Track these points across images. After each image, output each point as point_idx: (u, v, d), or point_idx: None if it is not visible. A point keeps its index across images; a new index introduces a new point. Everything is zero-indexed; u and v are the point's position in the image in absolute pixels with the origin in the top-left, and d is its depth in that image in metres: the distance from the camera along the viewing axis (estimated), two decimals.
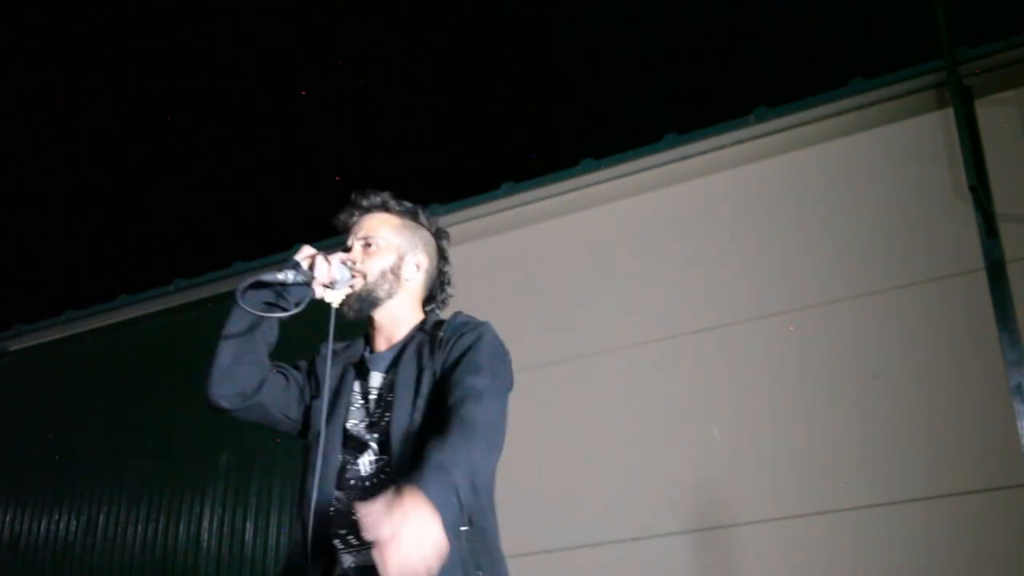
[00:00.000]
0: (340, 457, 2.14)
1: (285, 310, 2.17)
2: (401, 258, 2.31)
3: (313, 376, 2.30)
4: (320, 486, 2.09)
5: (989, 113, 4.44)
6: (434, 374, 2.10)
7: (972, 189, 4.20)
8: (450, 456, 1.79)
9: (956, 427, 4.06)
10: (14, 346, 7.18)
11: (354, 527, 1.97)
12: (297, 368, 2.33)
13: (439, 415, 2.00)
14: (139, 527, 6.05)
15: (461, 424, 1.88)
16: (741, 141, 4.98)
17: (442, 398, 2.03)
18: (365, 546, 1.94)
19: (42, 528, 6.43)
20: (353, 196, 2.37)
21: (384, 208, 2.37)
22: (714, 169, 5.03)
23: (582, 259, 5.18)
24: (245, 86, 11.68)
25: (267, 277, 2.14)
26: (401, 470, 1.97)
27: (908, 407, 4.20)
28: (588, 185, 5.33)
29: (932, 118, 4.57)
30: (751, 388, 4.53)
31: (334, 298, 2.21)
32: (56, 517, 6.41)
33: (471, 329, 2.17)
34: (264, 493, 5.67)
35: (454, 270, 2.47)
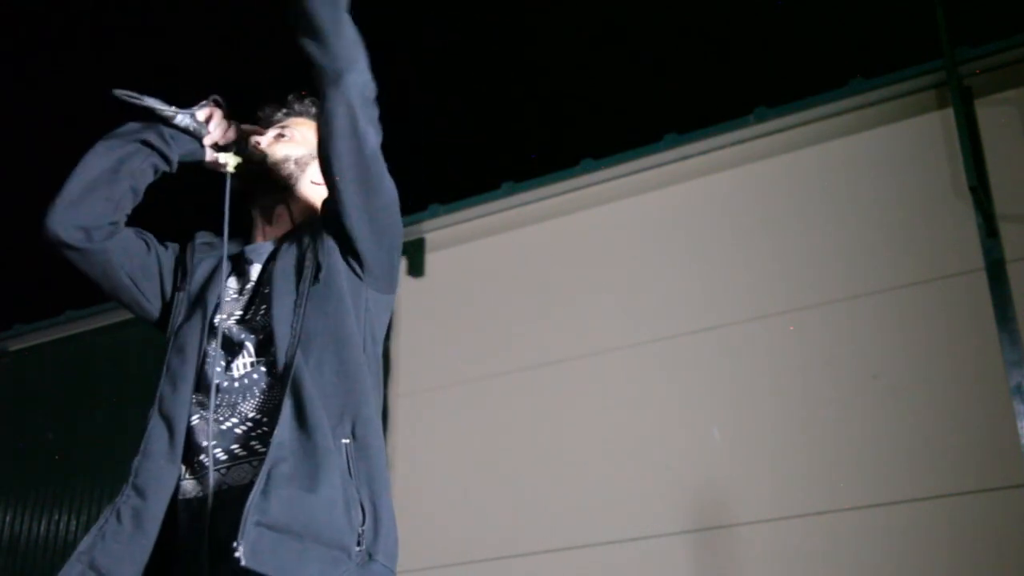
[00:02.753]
0: (202, 355, 1.85)
1: (166, 159, 1.90)
2: (312, 156, 2.03)
3: (181, 265, 2.00)
4: (177, 389, 1.82)
5: (989, 113, 4.44)
6: (316, 254, 1.84)
7: (972, 189, 4.20)
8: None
9: (956, 427, 4.06)
10: (14, 346, 7.18)
11: (225, 437, 1.76)
12: (164, 246, 2.04)
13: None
14: None
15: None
16: (741, 141, 4.98)
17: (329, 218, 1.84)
18: (237, 460, 1.74)
19: (42, 528, 6.43)
20: (290, 98, 2.16)
21: (316, 119, 2.03)
22: (714, 169, 5.03)
23: (582, 259, 5.18)
24: (245, 86, 11.67)
25: (153, 102, 1.87)
26: (286, 373, 1.72)
27: (908, 407, 4.19)
28: (588, 185, 5.32)
29: (932, 118, 4.57)
30: (751, 388, 4.53)
31: (229, 161, 1.95)
32: (56, 517, 6.41)
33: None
34: None
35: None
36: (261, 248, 1.99)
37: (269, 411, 1.76)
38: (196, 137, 1.93)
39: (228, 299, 1.93)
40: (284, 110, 2.15)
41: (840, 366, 4.38)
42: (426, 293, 5.61)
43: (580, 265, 5.17)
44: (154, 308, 2.01)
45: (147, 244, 1.99)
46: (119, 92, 1.84)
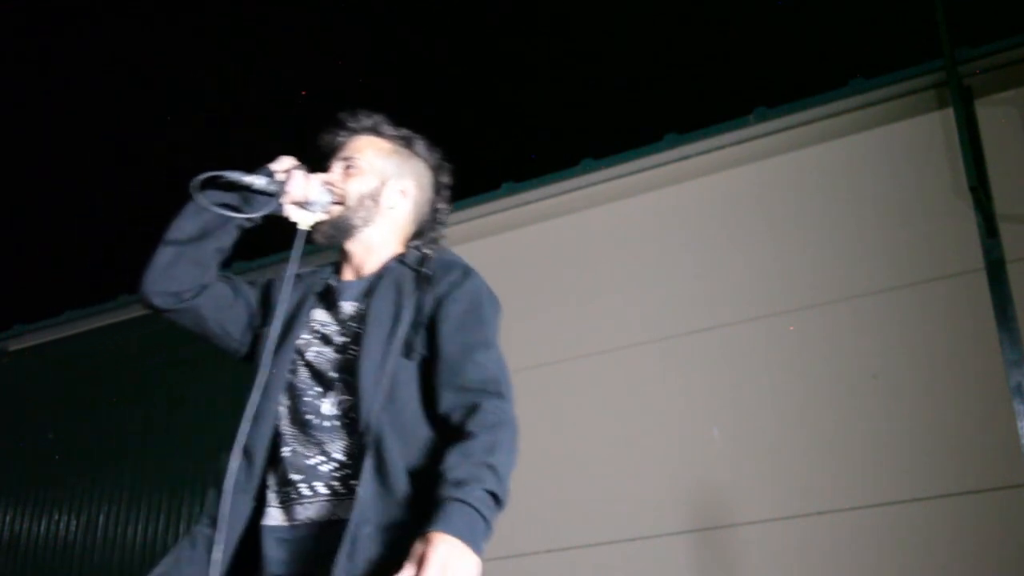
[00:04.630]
0: (289, 390, 1.92)
1: (249, 219, 1.97)
2: (383, 183, 2.06)
3: (267, 301, 2.05)
4: (261, 422, 1.88)
5: (989, 113, 4.44)
6: (417, 313, 1.88)
7: (972, 189, 4.20)
8: (470, 470, 1.63)
9: (956, 427, 4.06)
10: (14, 346, 7.18)
11: (311, 473, 1.83)
12: (251, 285, 2.10)
13: (431, 384, 1.83)
14: (139, 527, 6.05)
15: (476, 426, 1.72)
16: (741, 141, 4.98)
17: (437, 367, 1.84)
18: (319, 497, 1.81)
19: (42, 528, 6.44)
20: (341, 116, 2.13)
21: (374, 131, 2.10)
22: (714, 169, 5.03)
23: (582, 259, 5.18)
24: (245, 86, 11.69)
25: (232, 175, 1.93)
26: (370, 415, 1.78)
27: (908, 407, 4.19)
28: (588, 185, 5.33)
29: (932, 118, 4.57)
30: (751, 388, 4.53)
31: (304, 219, 2.00)
32: (56, 517, 6.41)
33: (461, 279, 1.94)
34: None
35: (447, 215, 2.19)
36: (352, 286, 2.01)
37: (353, 456, 1.81)
38: (275, 196, 1.98)
39: (316, 334, 1.97)
40: (342, 132, 2.13)
41: (840, 366, 4.38)
42: None
43: (580, 265, 5.17)
44: (244, 347, 2.07)
45: (234, 290, 2.06)
46: (199, 179, 1.91)
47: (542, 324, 5.07)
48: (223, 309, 2.02)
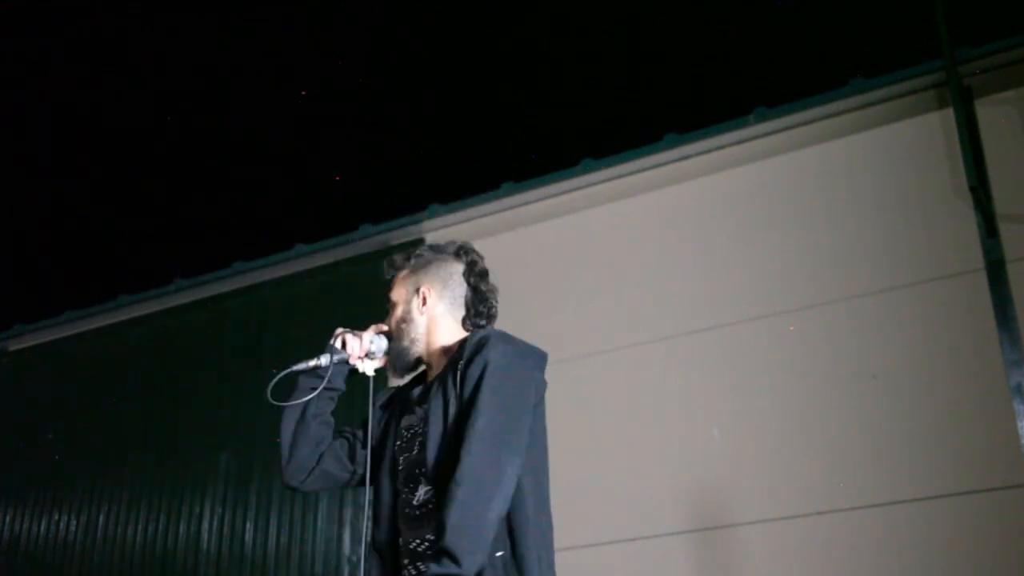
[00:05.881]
0: (393, 490, 2.28)
1: (333, 389, 2.40)
2: (408, 303, 2.39)
3: (366, 429, 2.43)
4: (378, 520, 2.28)
5: (989, 113, 4.44)
6: (459, 399, 2.16)
7: (972, 189, 4.20)
8: (450, 536, 1.93)
9: (956, 427, 4.06)
10: (14, 346, 7.18)
11: (413, 556, 2.17)
12: (358, 424, 2.48)
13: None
14: (139, 527, 6.05)
15: (450, 488, 2.00)
16: (741, 141, 4.98)
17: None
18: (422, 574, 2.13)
19: (42, 528, 6.43)
20: (384, 268, 2.51)
21: (397, 269, 2.46)
22: (714, 169, 5.03)
23: (582, 259, 5.18)
24: (245, 86, 11.68)
25: (299, 367, 2.35)
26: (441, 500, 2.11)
27: (908, 407, 4.19)
28: (588, 185, 5.33)
29: (932, 118, 4.57)
30: (751, 388, 4.53)
31: (368, 368, 2.41)
32: (56, 517, 6.41)
33: (479, 351, 2.17)
34: (264, 493, 5.67)
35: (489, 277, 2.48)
36: (422, 390, 2.35)
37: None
38: (343, 363, 2.39)
39: (403, 439, 2.32)
40: (388, 285, 2.49)
41: (840, 366, 4.38)
42: None
43: (580, 265, 5.18)
44: (362, 472, 2.42)
45: (349, 442, 2.45)
46: (272, 386, 2.30)
47: (542, 324, 5.06)
48: (342, 461, 2.42)
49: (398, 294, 2.42)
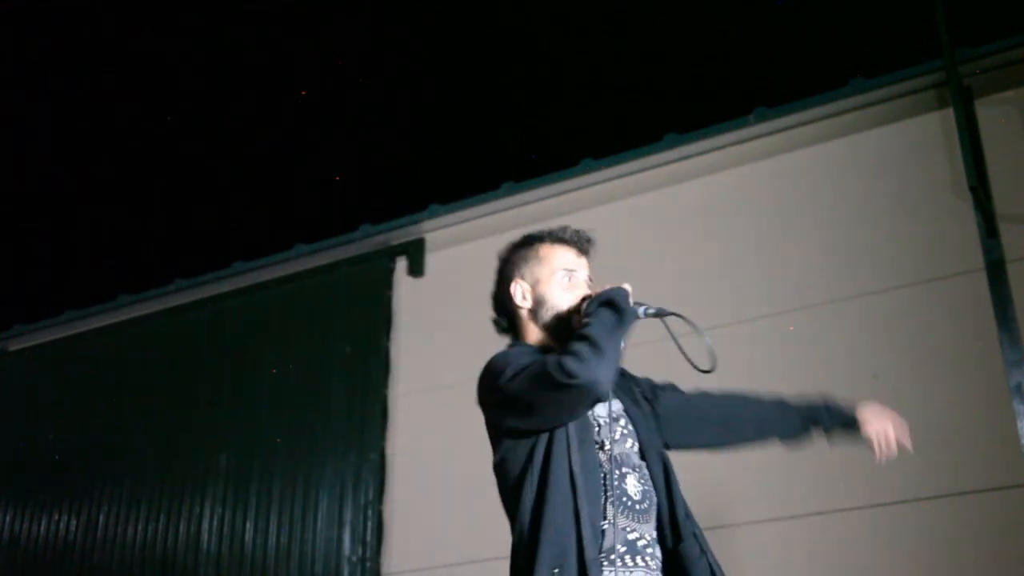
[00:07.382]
0: (603, 475, 2.35)
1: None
2: (510, 300, 2.72)
3: None
4: (590, 504, 2.28)
5: (989, 113, 4.44)
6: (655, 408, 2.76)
7: (972, 189, 4.19)
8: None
9: (956, 427, 4.06)
10: (14, 346, 7.18)
11: (631, 546, 2.29)
12: None
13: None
14: (139, 527, 6.05)
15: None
16: (741, 141, 4.98)
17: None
18: (639, 568, 2.28)
19: (42, 528, 6.43)
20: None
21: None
22: (714, 169, 5.03)
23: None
24: (245, 86, 11.68)
25: (666, 310, 2.66)
26: (657, 491, 2.48)
27: (908, 407, 4.16)
28: (588, 185, 5.33)
29: (932, 118, 4.57)
30: (751, 388, 4.52)
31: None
32: (56, 517, 6.41)
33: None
34: (264, 493, 5.67)
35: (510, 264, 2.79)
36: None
37: (657, 532, 2.42)
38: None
39: (604, 426, 2.45)
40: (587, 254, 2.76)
41: (840, 366, 4.37)
42: (426, 293, 5.61)
43: None
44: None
45: None
46: (649, 311, 2.66)
47: None
48: None
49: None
